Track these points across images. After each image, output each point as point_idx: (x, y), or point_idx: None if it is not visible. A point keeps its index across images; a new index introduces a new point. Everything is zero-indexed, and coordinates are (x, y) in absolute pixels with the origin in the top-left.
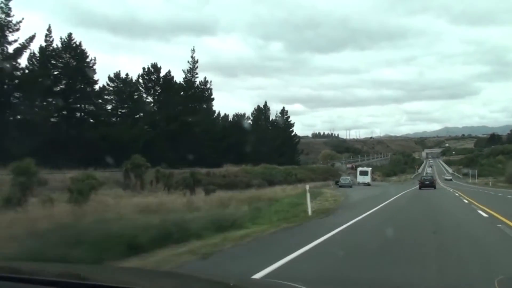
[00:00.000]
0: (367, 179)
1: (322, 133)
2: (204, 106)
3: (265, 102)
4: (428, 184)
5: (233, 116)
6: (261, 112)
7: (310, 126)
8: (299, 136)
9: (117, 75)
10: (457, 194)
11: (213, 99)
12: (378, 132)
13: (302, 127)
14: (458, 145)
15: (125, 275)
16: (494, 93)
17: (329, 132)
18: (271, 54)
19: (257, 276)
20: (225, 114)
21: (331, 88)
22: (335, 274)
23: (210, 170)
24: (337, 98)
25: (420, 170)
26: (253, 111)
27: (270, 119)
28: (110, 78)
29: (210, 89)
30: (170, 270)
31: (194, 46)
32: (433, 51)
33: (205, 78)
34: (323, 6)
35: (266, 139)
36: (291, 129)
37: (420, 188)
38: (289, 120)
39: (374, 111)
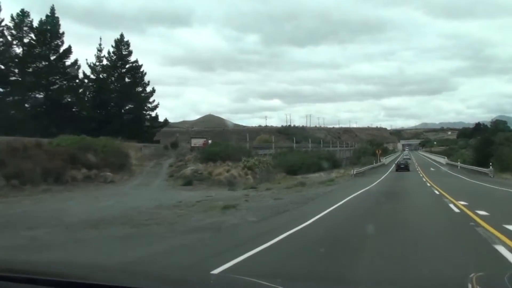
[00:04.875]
0: None
1: (293, 125)
2: None
3: (53, 6)
4: (403, 167)
5: None
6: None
7: (289, 123)
8: (150, 94)
9: None
10: None
11: None
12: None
13: (281, 123)
14: (437, 137)
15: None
16: (471, 89)
17: (288, 124)
18: (248, 47)
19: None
20: None
21: (310, 83)
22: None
23: None
24: (315, 93)
25: (386, 161)
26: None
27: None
28: None
29: None
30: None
31: None
32: (412, 45)
33: None
34: None
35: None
36: (142, 81)
37: (396, 170)
38: (134, 63)
39: (352, 107)
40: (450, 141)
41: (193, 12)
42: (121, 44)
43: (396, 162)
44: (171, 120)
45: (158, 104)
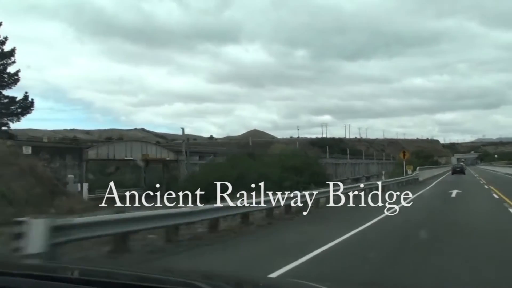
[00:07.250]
0: None
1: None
2: None
3: None
4: (459, 171)
5: None
6: None
7: (325, 135)
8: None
9: None
10: None
11: None
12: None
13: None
14: (497, 151)
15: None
16: None
17: (323, 136)
18: (296, 63)
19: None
20: None
21: (361, 98)
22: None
23: None
24: (367, 109)
25: (423, 176)
26: None
27: None
28: None
29: None
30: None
31: None
32: (467, 57)
33: None
34: (348, 8)
35: None
36: None
37: (452, 174)
38: None
39: (405, 122)
40: None
41: (241, 28)
42: None
43: (452, 166)
44: (215, 136)
45: (19, 74)
